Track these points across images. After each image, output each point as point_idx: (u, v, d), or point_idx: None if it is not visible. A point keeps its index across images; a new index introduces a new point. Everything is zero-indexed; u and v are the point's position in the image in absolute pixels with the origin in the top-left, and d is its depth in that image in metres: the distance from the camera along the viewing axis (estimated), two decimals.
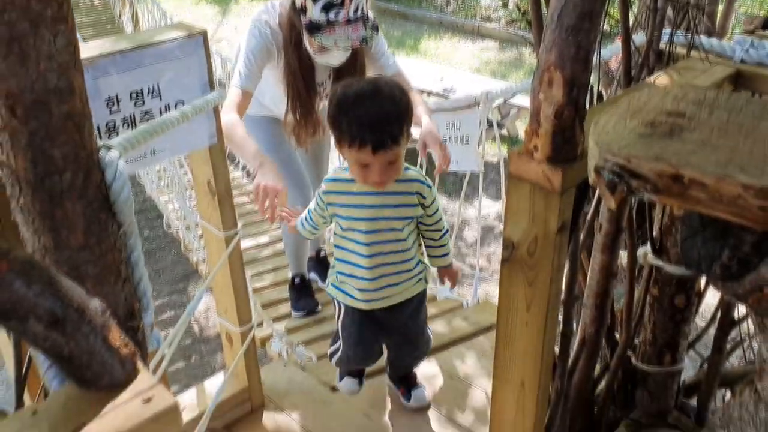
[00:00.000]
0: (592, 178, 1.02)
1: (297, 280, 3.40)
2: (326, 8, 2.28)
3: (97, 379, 0.83)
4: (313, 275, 3.50)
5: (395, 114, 1.78)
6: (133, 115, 1.61)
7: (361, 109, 1.76)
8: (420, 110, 2.42)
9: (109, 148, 1.09)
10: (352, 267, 2.05)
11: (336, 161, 3.96)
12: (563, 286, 1.64)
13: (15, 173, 0.99)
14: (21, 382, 1.07)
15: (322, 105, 2.75)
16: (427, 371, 2.55)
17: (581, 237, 1.65)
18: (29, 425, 0.78)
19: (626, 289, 1.80)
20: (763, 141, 0.94)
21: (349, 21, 2.28)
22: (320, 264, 3.52)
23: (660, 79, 1.59)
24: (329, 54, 2.45)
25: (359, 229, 1.98)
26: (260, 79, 2.52)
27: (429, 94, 7.51)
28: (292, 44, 2.46)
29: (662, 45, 1.71)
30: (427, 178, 2.02)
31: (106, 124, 1.57)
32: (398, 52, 10.46)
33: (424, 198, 1.99)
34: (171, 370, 4.35)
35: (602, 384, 1.96)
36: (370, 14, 2.39)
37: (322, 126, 2.75)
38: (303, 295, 3.41)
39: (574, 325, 1.84)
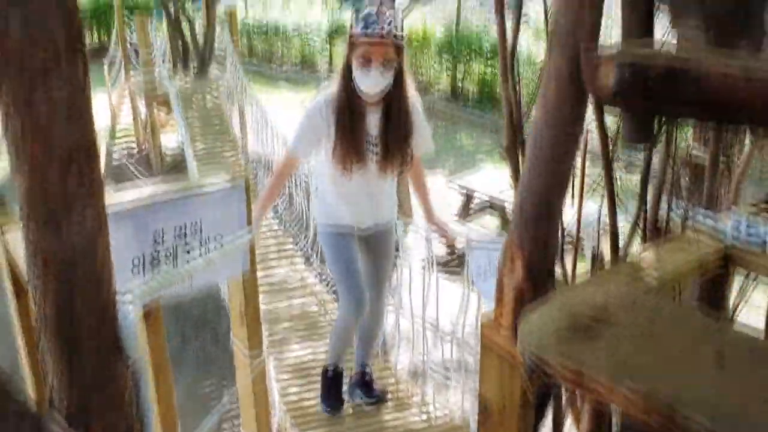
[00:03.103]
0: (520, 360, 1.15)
1: (330, 371, 3.48)
2: (365, 22, 2.69)
3: None
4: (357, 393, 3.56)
5: None
6: (175, 247, 1.86)
7: None
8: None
9: (125, 295, 1.32)
10: None
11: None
12: None
13: (43, 316, 1.23)
14: None
15: (374, 157, 2.98)
16: None
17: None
18: None
19: None
20: (665, 349, 1.05)
21: (382, 31, 2.68)
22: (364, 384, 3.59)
23: (646, 255, 1.69)
24: (371, 73, 2.69)
25: None
26: (310, 150, 2.97)
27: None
28: (345, 92, 2.79)
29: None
30: None
31: (151, 255, 1.82)
32: (485, 163, 10.73)
33: None
34: None
35: None
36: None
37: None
38: (332, 390, 3.49)
39: None
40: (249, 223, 1.99)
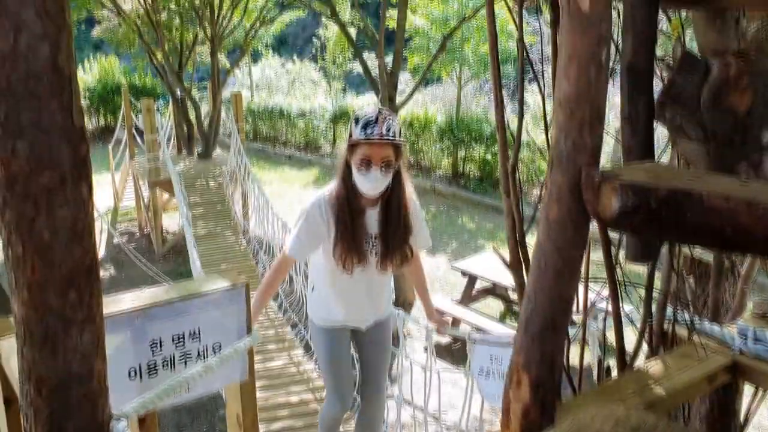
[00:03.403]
0: None
1: None
2: (365, 126, 2.71)
3: None
4: None
5: None
6: (173, 355, 1.83)
7: None
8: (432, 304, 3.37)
9: (120, 417, 1.28)
10: None
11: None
12: None
13: None
14: None
15: (375, 256, 2.95)
16: None
17: None
18: None
19: None
20: None
21: (381, 134, 2.70)
22: None
23: (653, 366, 1.66)
24: (371, 175, 2.70)
25: None
26: (309, 251, 2.95)
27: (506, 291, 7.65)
28: (345, 190, 2.80)
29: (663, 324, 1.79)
30: None
31: (147, 364, 1.79)
32: (487, 245, 10.75)
33: None
34: None
35: None
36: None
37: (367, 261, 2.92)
38: None
39: None
40: (249, 329, 1.96)
